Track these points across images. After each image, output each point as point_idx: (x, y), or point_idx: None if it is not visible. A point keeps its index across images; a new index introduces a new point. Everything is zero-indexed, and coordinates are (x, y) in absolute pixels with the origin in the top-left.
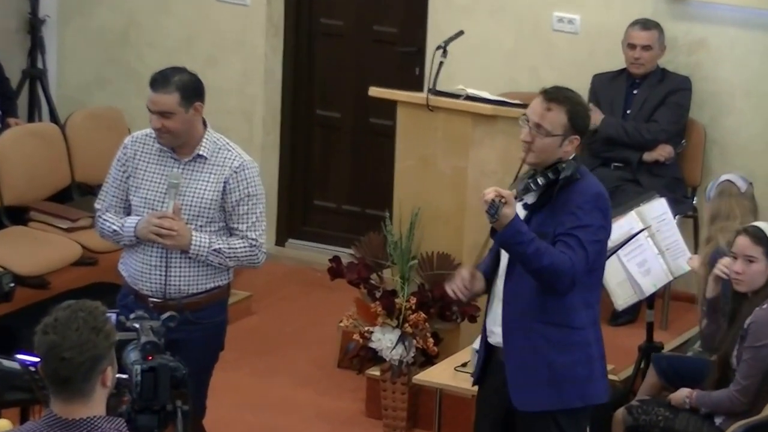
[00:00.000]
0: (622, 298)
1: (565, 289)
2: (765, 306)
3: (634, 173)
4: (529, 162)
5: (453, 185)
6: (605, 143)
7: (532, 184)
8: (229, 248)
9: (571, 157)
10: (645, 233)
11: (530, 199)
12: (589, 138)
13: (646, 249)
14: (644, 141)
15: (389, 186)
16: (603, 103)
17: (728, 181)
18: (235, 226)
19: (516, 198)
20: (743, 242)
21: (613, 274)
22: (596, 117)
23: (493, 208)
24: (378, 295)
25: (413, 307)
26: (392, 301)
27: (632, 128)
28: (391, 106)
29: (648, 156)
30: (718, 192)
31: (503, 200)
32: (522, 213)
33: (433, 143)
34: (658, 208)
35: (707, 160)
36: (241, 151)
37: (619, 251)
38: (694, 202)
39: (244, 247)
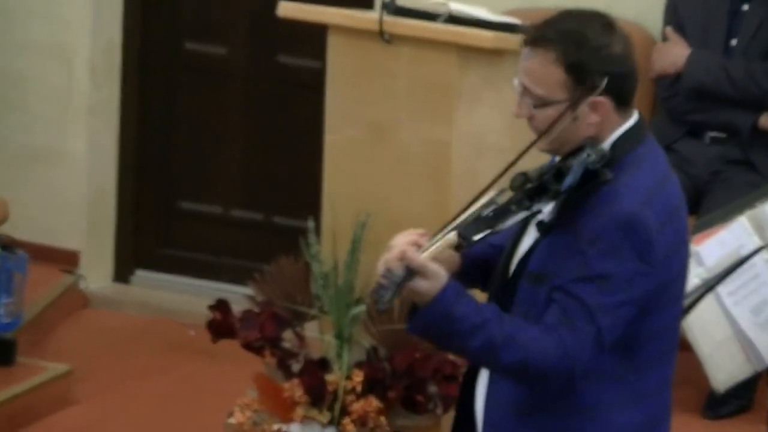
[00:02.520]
0: (725, 371)
1: (557, 392)
2: None
3: (745, 150)
4: (541, 149)
5: (427, 172)
6: (694, 98)
7: (515, 201)
8: None
9: (615, 133)
10: (765, 255)
11: (543, 211)
12: (666, 89)
13: (767, 282)
14: (761, 93)
15: (314, 176)
16: (690, 27)
17: None
18: None
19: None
20: None
21: (706, 329)
22: (676, 52)
23: (385, 286)
24: (296, 368)
25: (359, 389)
26: (321, 378)
27: (741, 71)
28: (316, 34)
29: None
30: None
31: (414, 268)
32: (532, 235)
33: (392, 100)
34: None
35: None
36: None
37: (719, 288)
38: None
39: None
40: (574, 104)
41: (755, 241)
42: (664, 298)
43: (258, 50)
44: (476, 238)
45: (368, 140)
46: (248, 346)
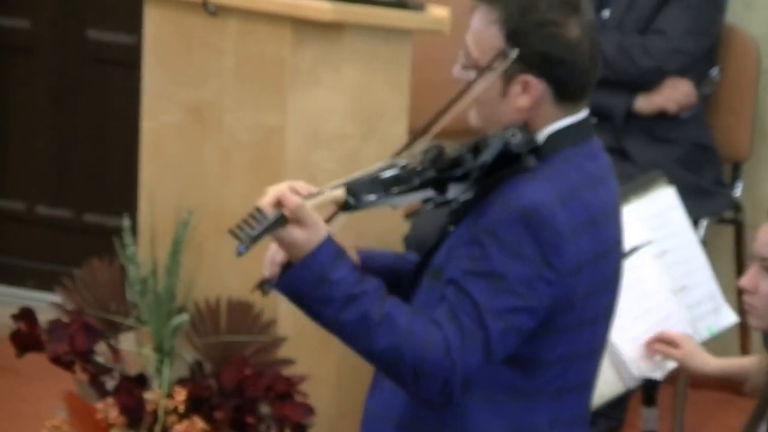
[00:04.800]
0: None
1: (431, 398)
2: None
3: (618, 137)
4: (472, 124)
5: (257, 163)
6: None
7: (409, 171)
8: None
9: (550, 128)
10: (648, 254)
11: (459, 192)
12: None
13: (640, 288)
14: (638, 73)
15: (130, 167)
16: None
17: None
18: None
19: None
20: (765, 235)
21: None
22: None
23: (251, 226)
24: (111, 385)
25: (181, 409)
26: (139, 397)
27: (614, 47)
28: (130, 5)
29: (645, 103)
30: None
31: (285, 211)
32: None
33: (217, 81)
34: (662, 206)
35: (763, 110)
36: None
37: None
38: (736, 192)
39: None
40: (507, 79)
41: (633, 241)
42: (571, 319)
43: (65, 23)
44: (367, 199)
45: (191, 127)
46: (57, 361)
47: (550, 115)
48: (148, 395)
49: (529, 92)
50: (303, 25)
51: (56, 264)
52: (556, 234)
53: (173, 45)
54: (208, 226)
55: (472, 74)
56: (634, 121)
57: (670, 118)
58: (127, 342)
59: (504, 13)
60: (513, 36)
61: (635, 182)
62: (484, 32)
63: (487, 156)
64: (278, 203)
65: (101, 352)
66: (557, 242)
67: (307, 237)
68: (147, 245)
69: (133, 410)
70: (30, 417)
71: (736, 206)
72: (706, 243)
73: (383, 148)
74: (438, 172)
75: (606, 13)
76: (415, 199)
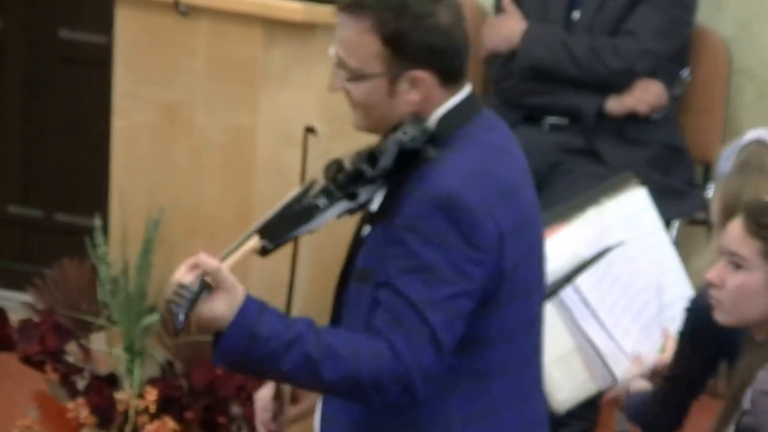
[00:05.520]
0: (566, 390)
1: (397, 403)
2: None
3: (589, 138)
4: (357, 126)
5: (228, 162)
6: (531, 79)
7: (325, 192)
8: None
9: (441, 109)
10: (624, 252)
11: (371, 192)
12: (499, 69)
13: (618, 286)
14: (608, 74)
15: (101, 167)
16: (527, 0)
17: (759, 142)
18: None
19: (330, 197)
20: (734, 230)
21: (545, 342)
22: (510, 26)
23: (180, 303)
24: (81, 385)
25: (152, 409)
26: (110, 397)
27: (584, 48)
28: (102, 5)
29: (616, 104)
30: (740, 161)
31: (207, 279)
32: (367, 229)
33: (189, 81)
34: (634, 207)
35: (734, 111)
36: None
37: (563, 292)
38: (708, 193)
39: None
40: (392, 77)
41: (605, 241)
42: (506, 291)
43: (37, 23)
44: (282, 237)
45: (162, 126)
46: (28, 361)
47: (438, 99)
48: (118, 395)
49: (418, 86)
50: (274, 26)
51: (27, 263)
52: (471, 214)
53: (144, 45)
54: (180, 226)
55: (360, 85)
56: (604, 122)
57: (640, 120)
58: (98, 342)
59: (377, 19)
60: (392, 38)
61: (606, 184)
62: (360, 41)
63: (385, 162)
64: (195, 265)
65: (72, 352)
66: (475, 222)
67: (227, 304)
68: (118, 245)
69: (104, 410)
70: (1, 417)
71: (708, 207)
72: (678, 244)
73: (353, 148)
74: (341, 190)
75: (576, 15)
76: (330, 216)
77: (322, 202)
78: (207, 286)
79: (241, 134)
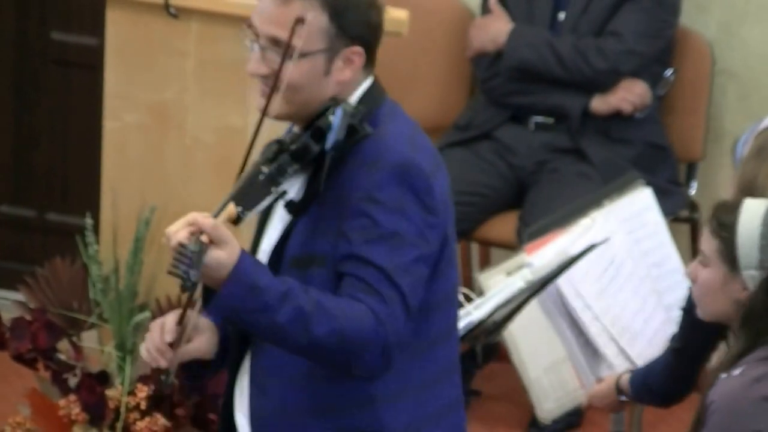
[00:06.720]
0: (553, 399)
1: (375, 368)
2: (737, 372)
3: (574, 137)
4: (275, 115)
5: (219, 163)
6: (517, 79)
7: (278, 166)
8: None
9: (358, 91)
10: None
11: (293, 191)
12: (485, 69)
13: (620, 280)
14: (593, 74)
15: (92, 167)
16: (513, 1)
17: None
18: None
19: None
20: (705, 230)
21: (535, 350)
22: (496, 27)
23: (184, 262)
24: (73, 382)
25: (143, 406)
26: (101, 394)
27: (570, 48)
28: (93, 7)
29: (601, 104)
30: (758, 146)
31: (203, 238)
32: (283, 219)
33: (179, 82)
34: (639, 207)
35: (717, 111)
36: None
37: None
38: (691, 191)
39: None
40: (331, 54)
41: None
42: (447, 255)
43: (28, 25)
44: (255, 205)
45: (153, 127)
46: (19, 359)
47: (357, 80)
48: (109, 392)
49: (353, 63)
50: None
51: (19, 263)
52: (425, 179)
53: (135, 47)
54: (169, 224)
55: (300, 64)
56: (590, 121)
57: (625, 119)
58: (89, 340)
59: None
60: (339, 13)
61: (611, 186)
62: (303, 16)
63: (335, 136)
64: (192, 227)
65: (63, 350)
66: (428, 186)
67: (228, 254)
68: (109, 244)
69: (95, 407)
70: None
71: (692, 205)
72: None
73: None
74: (295, 162)
75: (562, 16)
76: (287, 187)
77: (288, 169)
78: (203, 245)
79: (231, 135)
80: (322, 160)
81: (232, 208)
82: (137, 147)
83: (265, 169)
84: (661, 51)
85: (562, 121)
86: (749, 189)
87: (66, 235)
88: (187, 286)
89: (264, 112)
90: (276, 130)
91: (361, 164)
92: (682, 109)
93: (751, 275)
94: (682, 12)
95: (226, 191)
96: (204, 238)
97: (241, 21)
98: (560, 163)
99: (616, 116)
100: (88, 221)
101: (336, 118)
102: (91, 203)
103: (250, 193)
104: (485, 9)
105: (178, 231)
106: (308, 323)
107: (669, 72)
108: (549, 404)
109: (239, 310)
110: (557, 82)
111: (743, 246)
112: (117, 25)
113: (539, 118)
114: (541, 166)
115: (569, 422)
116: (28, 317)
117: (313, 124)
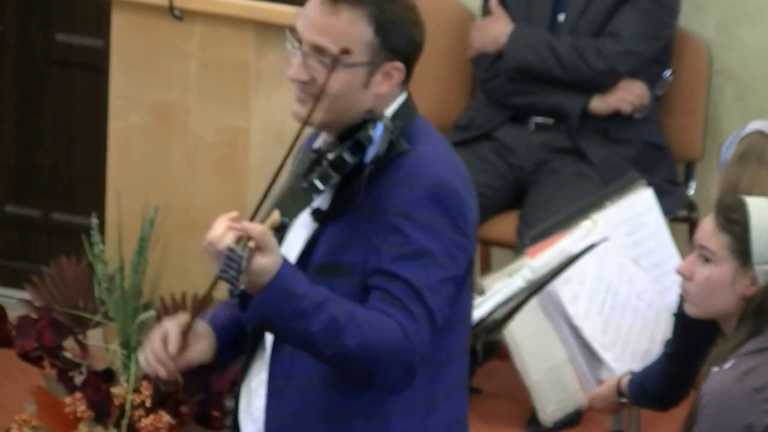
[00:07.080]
0: (555, 402)
1: (398, 383)
2: (728, 366)
3: (574, 137)
4: (314, 119)
5: (222, 163)
6: (517, 80)
7: (320, 175)
8: None
9: (393, 106)
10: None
11: (321, 201)
12: (486, 70)
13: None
14: (591, 74)
15: (97, 167)
16: (513, 1)
17: (760, 133)
18: None
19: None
20: (706, 224)
21: (536, 353)
22: (497, 28)
23: (234, 267)
24: (78, 380)
25: (148, 403)
26: (106, 392)
27: (569, 49)
28: (98, 9)
29: (600, 104)
30: (740, 151)
31: (251, 244)
32: (307, 228)
33: (183, 83)
34: (641, 208)
35: (715, 111)
36: None
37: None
38: (690, 191)
39: None
40: (373, 68)
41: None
42: (468, 276)
43: (34, 27)
44: (294, 216)
45: (157, 127)
46: (25, 356)
47: (392, 96)
48: (115, 390)
49: (392, 78)
50: (266, 29)
51: (25, 262)
52: (459, 200)
53: (139, 48)
54: (174, 224)
55: (341, 74)
56: (589, 121)
57: (624, 119)
58: (94, 338)
59: (373, 9)
60: (382, 28)
61: (612, 187)
62: (350, 29)
63: (375, 150)
64: (241, 236)
65: (69, 348)
66: (462, 208)
67: (272, 261)
68: (114, 243)
69: (101, 405)
70: None
71: (690, 205)
72: None
73: None
74: (336, 173)
75: (561, 17)
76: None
77: (332, 173)
78: (250, 246)
79: (234, 135)
80: (354, 171)
81: (276, 216)
82: (141, 147)
83: (308, 178)
84: (659, 52)
85: (561, 121)
86: (732, 193)
87: (71, 234)
88: (234, 292)
89: (305, 121)
90: (282, 135)
91: (398, 180)
92: (680, 109)
93: (764, 270)
94: (681, 13)
95: (228, 191)
96: (251, 244)
97: (243, 23)
98: (560, 163)
99: (615, 116)
100: (94, 221)
101: (377, 133)
102: (96, 203)
103: (293, 201)
104: (486, 10)
105: (224, 235)
106: (340, 334)
107: (667, 72)
108: (551, 407)
109: (275, 316)
110: (557, 83)
111: (758, 240)
112: (122, 27)
113: (539, 119)
114: (540, 166)
115: (569, 420)
116: (34, 316)
117: (352, 135)
